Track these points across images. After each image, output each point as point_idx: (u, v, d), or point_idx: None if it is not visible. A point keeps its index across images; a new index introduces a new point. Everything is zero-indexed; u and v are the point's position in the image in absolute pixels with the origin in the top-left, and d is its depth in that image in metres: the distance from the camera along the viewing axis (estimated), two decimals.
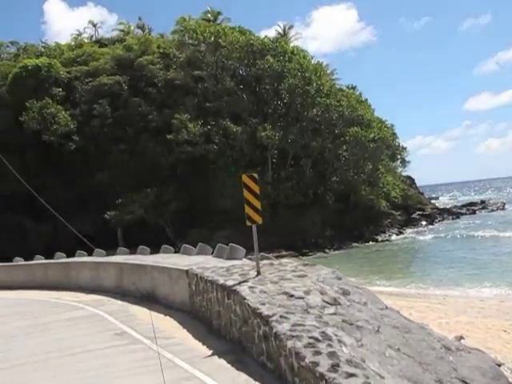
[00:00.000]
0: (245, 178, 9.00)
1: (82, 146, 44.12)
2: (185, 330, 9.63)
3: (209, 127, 43.74)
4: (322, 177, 47.46)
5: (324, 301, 7.89)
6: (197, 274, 10.21)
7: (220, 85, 46.89)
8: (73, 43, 60.78)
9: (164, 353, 8.21)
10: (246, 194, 8.94)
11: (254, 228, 9.02)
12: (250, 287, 8.17)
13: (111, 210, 40.61)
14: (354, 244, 43.58)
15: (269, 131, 42.51)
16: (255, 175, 9.11)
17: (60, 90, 46.63)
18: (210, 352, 8.11)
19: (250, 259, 12.64)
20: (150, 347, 8.81)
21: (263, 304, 7.49)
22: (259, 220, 8.96)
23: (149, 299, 13.03)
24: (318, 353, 5.99)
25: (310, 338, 6.38)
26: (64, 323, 11.88)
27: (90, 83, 47.72)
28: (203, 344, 8.58)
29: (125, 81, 47.55)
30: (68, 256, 22.03)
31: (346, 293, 8.48)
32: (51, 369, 8.20)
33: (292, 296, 7.86)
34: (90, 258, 19.23)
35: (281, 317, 6.98)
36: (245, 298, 7.77)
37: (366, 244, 43.95)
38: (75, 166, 43.61)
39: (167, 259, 13.61)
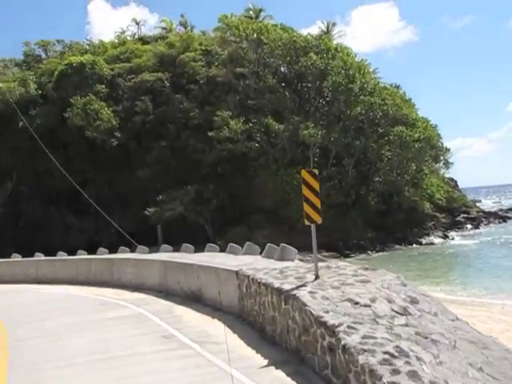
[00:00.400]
0: (304, 174, 8.30)
1: (124, 142, 44.33)
2: (235, 335, 9.02)
3: (250, 125, 43.16)
4: (365, 177, 46.22)
5: (393, 310, 7.18)
6: (248, 276, 9.62)
7: (262, 82, 46.30)
8: (116, 41, 61.33)
9: (216, 360, 7.67)
10: (304, 190, 8.25)
11: (313, 228, 8.34)
12: (310, 292, 7.53)
13: (152, 206, 40.58)
14: (397, 246, 42.23)
15: (311, 129, 41.67)
16: (315, 171, 8.42)
17: (103, 86, 47.05)
18: (266, 362, 7.49)
19: (301, 260, 12.01)
20: (199, 353, 8.31)
21: (327, 312, 6.84)
22: (319, 219, 8.28)
23: (194, 299, 12.56)
24: (396, 372, 5.31)
25: (385, 353, 5.71)
26: (108, 322, 11.50)
27: (132, 80, 47.97)
28: (257, 352, 7.96)
29: (167, 77, 47.55)
30: (109, 252, 21.85)
31: (414, 301, 7.73)
32: (98, 373, 7.71)
33: (357, 303, 7.19)
34: (133, 255, 18.96)
35: (348, 327, 6.32)
36: (306, 305, 7.13)
37: (410, 246, 42.58)
38: (117, 162, 43.84)
39: (214, 258, 13.08)
